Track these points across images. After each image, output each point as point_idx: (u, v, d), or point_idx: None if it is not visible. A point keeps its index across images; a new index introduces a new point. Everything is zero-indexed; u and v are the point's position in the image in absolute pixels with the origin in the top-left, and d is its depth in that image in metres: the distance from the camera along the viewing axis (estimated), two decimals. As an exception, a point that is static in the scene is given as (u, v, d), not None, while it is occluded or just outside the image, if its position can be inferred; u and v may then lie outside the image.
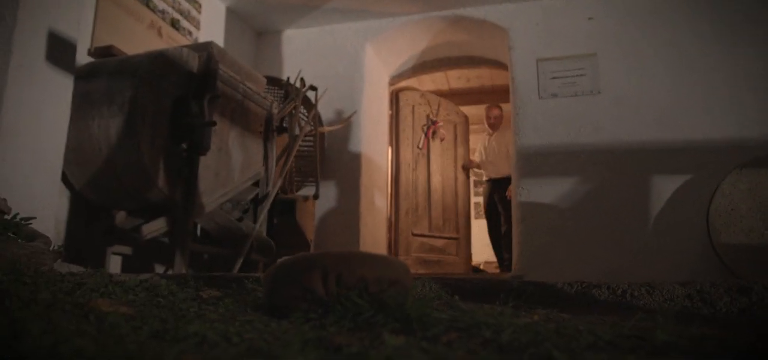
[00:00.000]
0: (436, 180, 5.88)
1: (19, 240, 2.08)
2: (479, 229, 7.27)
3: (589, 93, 4.19)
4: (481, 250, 9.15)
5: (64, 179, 2.82)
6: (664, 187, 3.91)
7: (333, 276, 0.97)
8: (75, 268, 2.16)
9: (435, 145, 5.97)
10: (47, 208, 2.56)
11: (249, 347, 0.78)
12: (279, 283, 1.01)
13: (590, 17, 4.31)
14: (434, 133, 5.96)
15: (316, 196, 4.09)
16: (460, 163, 6.22)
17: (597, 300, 1.75)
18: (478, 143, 6.00)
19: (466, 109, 6.65)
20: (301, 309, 0.96)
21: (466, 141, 6.42)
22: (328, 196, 4.53)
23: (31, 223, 2.25)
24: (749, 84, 3.90)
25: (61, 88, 2.68)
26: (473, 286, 1.72)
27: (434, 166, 5.90)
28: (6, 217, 2.21)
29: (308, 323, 0.91)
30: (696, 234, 3.70)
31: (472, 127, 6.72)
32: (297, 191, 4.34)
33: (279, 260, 1.08)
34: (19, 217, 2.22)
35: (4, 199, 2.25)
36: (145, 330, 0.81)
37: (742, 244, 3.39)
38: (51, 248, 2.29)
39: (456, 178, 6.14)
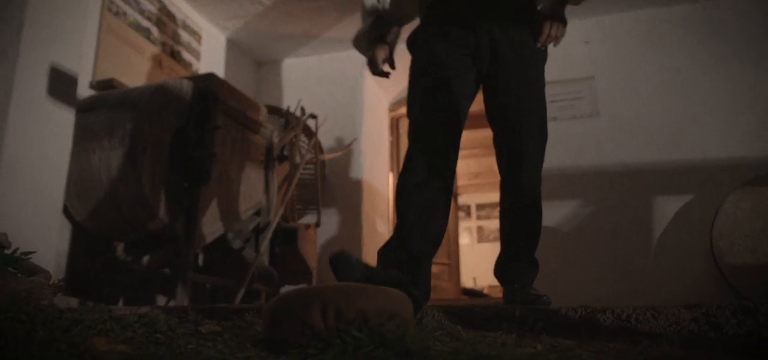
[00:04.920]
0: (429, 206, 5.81)
1: (19, 275, 2.07)
2: (475, 253, 7.11)
3: (588, 115, 4.19)
4: (486, 273, 9.07)
5: (66, 212, 2.82)
6: (667, 207, 3.89)
7: (332, 310, 0.96)
8: (74, 303, 2.14)
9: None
10: (48, 242, 2.55)
11: (247, 385, 0.77)
12: (278, 318, 1.00)
13: (587, 41, 4.34)
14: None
15: (317, 224, 4.08)
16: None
17: (602, 325, 1.73)
18: None
19: (465, 134, 6.61)
20: (300, 344, 0.95)
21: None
22: (330, 223, 4.51)
23: (31, 257, 2.25)
24: (748, 102, 3.90)
25: (62, 122, 2.69)
26: (477, 314, 1.70)
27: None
28: (6, 251, 2.20)
29: (307, 359, 0.90)
30: (700, 254, 3.68)
31: (464, 152, 6.66)
32: (299, 220, 4.33)
33: (278, 294, 1.07)
34: (19, 251, 2.21)
35: (5, 234, 2.25)
36: (141, 369, 0.80)
37: (747, 263, 3.36)
38: (51, 282, 2.28)
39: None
